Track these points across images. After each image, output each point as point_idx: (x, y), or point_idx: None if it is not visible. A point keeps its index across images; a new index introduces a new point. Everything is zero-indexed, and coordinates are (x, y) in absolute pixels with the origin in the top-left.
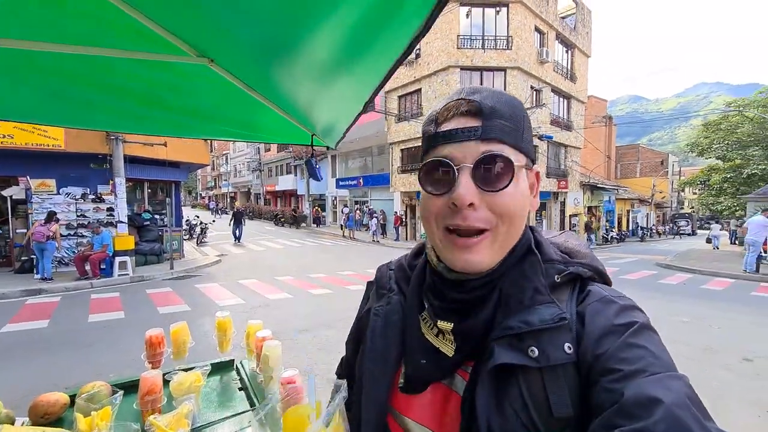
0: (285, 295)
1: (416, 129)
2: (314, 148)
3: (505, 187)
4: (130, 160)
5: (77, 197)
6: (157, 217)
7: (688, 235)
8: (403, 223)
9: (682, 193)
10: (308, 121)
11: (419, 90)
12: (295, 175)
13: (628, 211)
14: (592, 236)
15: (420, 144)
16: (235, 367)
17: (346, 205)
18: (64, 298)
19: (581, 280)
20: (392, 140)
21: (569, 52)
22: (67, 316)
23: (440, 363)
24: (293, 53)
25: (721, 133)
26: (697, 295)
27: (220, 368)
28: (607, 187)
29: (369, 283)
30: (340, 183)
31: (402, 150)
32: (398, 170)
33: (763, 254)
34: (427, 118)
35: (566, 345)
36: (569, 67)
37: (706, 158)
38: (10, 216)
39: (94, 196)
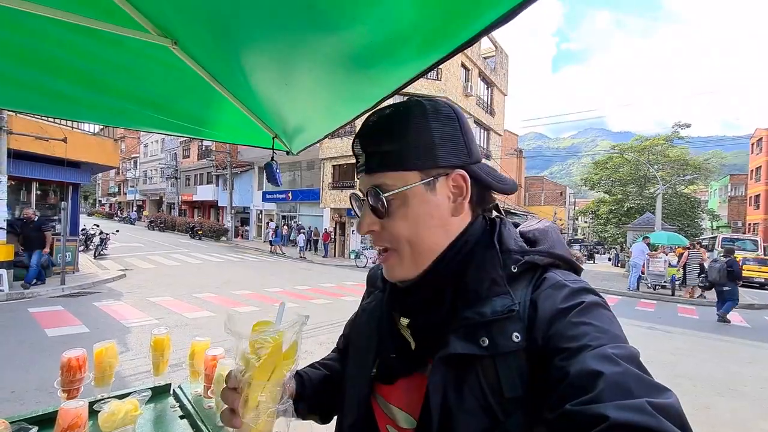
0: (206, 313)
1: (348, 145)
2: (275, 152)
3: (386, 214)
4: (16, 155)
5: None
6: (46, 223)
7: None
8: (332, 240)
9: (576, 221)
10: (273, 122)
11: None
12: (217, 185)
13: None
14: None
15: (351, 161)
16: (172, 392)
17: (272, 220)
18: None
19: (541, 268)
20: (324, 156)
21: (489, 89)
22: None
23: (407, 356)
24: (275, 45)
25: (607, 171)
26: None
27: (155, 395)
28: (519, 212)
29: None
30: (267, 196)
31: (334, 166)
32: (329, 186)
33: (642, 275)
34: None
35: (514, 334)
36: (489, 103)
37: (596, 192)
38: None
39: None
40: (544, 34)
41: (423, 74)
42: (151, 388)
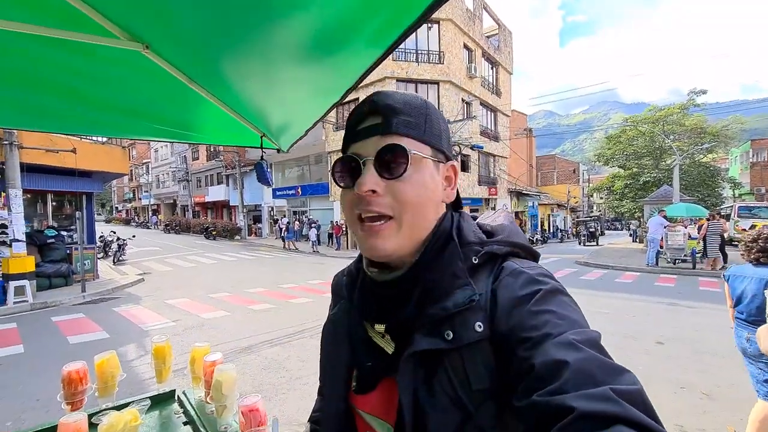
0: (221, 313)
1: None
2: (264, 151)
3: (403, 173)
4: (29, 169)
5: None
6: (64, 233)
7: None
8: (344, 233)
9: (592, 198)
10: (259, 120)
11: (357, 99)
12: (227, 185)
13: (548, 215)
14: None
15: None
16: (176, 398)
17: (284, 216)
18: None
19: (501, 257)
20: (330, 149)
21: (494, 68)
22: None
23: (384, 361)
24: (246, 42)
25: (620, 146)
26: (613, 288)
27: (159, 401)
28: (530, 193)
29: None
30: (277, 193)
31: None
32: None
33: (660, 250)
34: (346, 123)
35: (477, 324)
36: (494, 83)
37: (610, 167)
38: None
39: None
40: (550, 8)
41: (380, 61)
42: (155, 395)
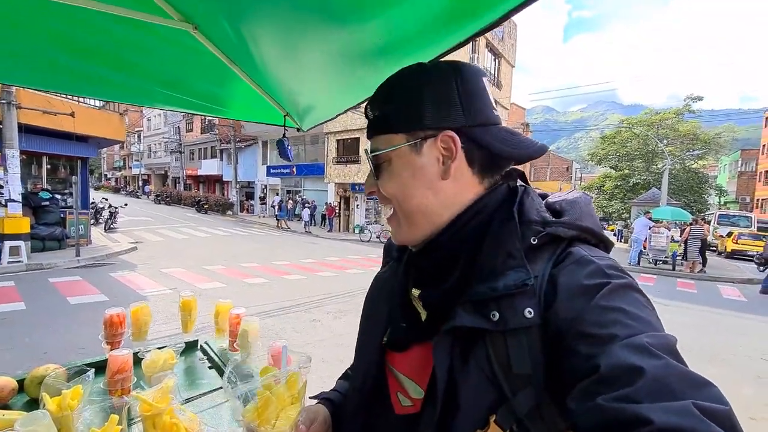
0: (217, 284)
1: (352, 119)
2: (286, 129)
3: (379, 173)
4: (26, 130)
5: None
6: (58, 197)
7: None
8: (337, 215)
9: None
10: (284, 100)
11: None
12: (221, 160)
13: None
14: None
15: (355, 135)
16: (200, 347)
17: (277, 194)
18: None
19: (566, 241)
20: (328, 130)
21: (496, 60)
22: None
23: (417, 326)
24: (288, 29)
25: (614, 146)
26: None
27: (186, 349)
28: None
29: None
30: (272, 170)
31: (338, 141)
32: (333, 161)
33: (643, 250)
34: None
35: (527, 310)
36: (496, 75)
37: (603, 167)
38: None
39: None
40: (557, 1)
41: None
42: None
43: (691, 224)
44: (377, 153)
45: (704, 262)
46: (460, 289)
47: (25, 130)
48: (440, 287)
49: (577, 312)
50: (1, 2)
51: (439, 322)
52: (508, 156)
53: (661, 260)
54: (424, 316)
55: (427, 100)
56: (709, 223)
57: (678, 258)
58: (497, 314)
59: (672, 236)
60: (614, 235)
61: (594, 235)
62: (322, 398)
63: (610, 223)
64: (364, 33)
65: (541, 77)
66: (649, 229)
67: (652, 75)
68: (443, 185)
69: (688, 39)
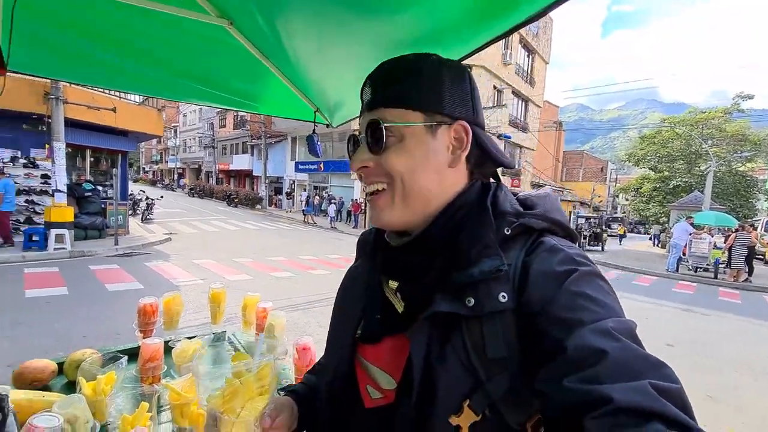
0: (245, 276)
1: None
2: (315, 125)
3: (383, 147)
4: (71, 124)
5: (5, 160)
6: (99, 188)
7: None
8: (362, 211)
9: (617, 199)
10: (315, 96)
11: None
12: (252, 155)
13: (570, 212)
14: None
15: None
16: (227, 338)
17: (304, 190)
18: None
19: (537, 232)
20: (355, 127)
21: (530, 56)
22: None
23: (393, 318)
24: (322, 24)
25: (654, 146)
26: (628, 289)
27: (214, 340)
28: (554, 188)
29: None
30: (300, 166)
31: None
32: None
33: (682, 256)
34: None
35: (501, 294)
36: (529, 71)
37: (641, 168)
38: None
39: (25, 161)
40: None
41: (466, 58)
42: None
43: (737, 230)
44: (393, 125)
45: (750, 271)
46: (439, 280)
47: (70, 124)
48: (421, 279)
49: (548, 295)
50: (49, 4)
51: (416, 314)
52: (495, 159)
53: (702, 267)
54: (401, 309)
55: (447, 88)
56: (756, 229)
57: (721, 266)
58: (473, 300)
59: (715, 242)
60: (649, 239)
61: (562, 228)
62: (289, 391)
63: (647, 226)
64: (398, 25)
65: (576, 74)
66: (690, 234)
67: (697, 72)
68: (448, 173)
69: (738, 34)
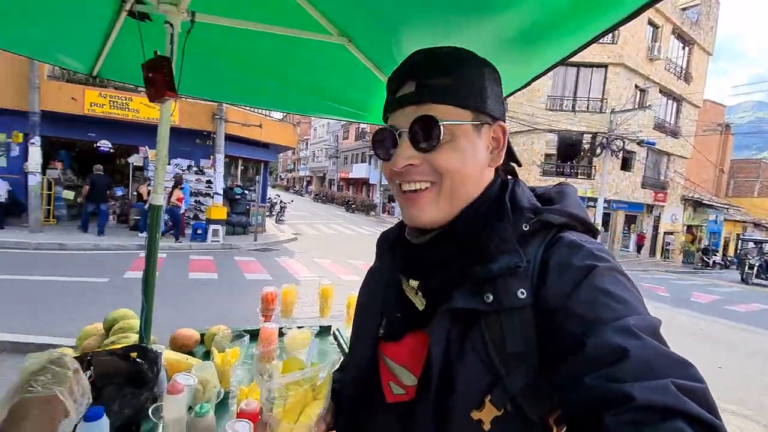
0: (356, 277)
1: None
2: None
3: (437, 145)
4: (229, 138)
5: (184, 168)
6: (246, 192)
7: None
8: None
9: None
10: None
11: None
12: (369, 164)
13: (738, 235)
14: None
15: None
16: (332, 333)
17: None
18: (169, 257)
19: (556, 228)
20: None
21: (686, 48)
22: (172, 271)
23: (413, 316)
24: (432, 30)
25: None
26: None
27: (320, 332)
28: (715, 204)
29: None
30: None
31: None
32: None
33: None
34: (386, 87)
35: (520, 291)
36: (685, 66)
37: None
38: (130, 180)
39: (197, 169)
40: None
41: (577, 52)
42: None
43: None
44: (452, 123)
45: None
46: (460, 275)
47: (228, 138)
48: (442, 276)
49: (568, 290)
50: (205, 42)
51: (435, 310)
52: (514, 159)
53: None
54: (421, 306)
55: (489, 86)
56: None
57: None
58: (491, 296)
59: None
60: None
61: (582, 223)
62: None
63: None
64: (504, 23)
65: (753, 64)
66: None
67: None
68: (486, 172)
69: None
